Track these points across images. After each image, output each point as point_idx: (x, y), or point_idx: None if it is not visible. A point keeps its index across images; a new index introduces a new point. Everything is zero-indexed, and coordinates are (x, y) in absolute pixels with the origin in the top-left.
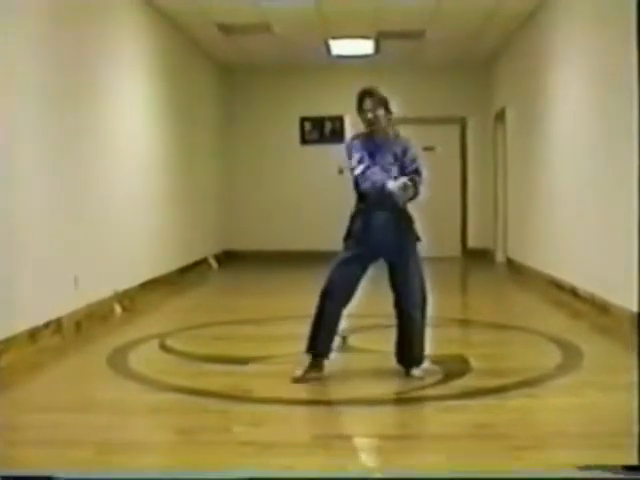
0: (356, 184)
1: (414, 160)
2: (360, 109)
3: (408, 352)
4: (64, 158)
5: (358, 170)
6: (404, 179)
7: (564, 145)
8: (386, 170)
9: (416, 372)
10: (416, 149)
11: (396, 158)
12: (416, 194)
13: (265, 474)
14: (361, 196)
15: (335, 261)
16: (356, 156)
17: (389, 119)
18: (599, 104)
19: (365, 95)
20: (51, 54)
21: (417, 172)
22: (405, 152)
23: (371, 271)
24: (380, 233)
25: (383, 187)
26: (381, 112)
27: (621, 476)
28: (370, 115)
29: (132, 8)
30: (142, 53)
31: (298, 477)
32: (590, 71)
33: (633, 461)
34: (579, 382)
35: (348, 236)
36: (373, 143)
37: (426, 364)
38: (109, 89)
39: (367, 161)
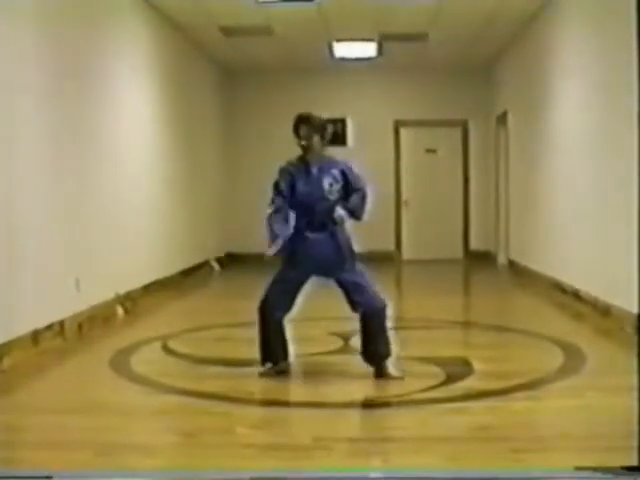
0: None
1: (358, 178)
2: (296, 134)
3: (374, 349)
4: (66, 160)
5: (269, 210)
6: (341, 212)
7: (566, 148)
8: (324, 195)
9: (393, 371)
10: (356, 167)
11: (336, 180)
12: (360, 216)
13: (265, 474)
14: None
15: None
16: (274, 193)
17: (323, 145)
18: (601, 107)
19: (300, 122)
20: (52, 56)
21: (362, 190)
22: (345, 173)
23: (371, 274)
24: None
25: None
26: (316, 139)
27: (621, 477)
28: (304, 142)
29: (134, 10)
30: (144, 55)
31: (298, 478)
32: (592, 74)
33: (635, 463)
34: (581, 384)
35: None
36: (306, 170)
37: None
38: (111, 91)
39: (281, 202)
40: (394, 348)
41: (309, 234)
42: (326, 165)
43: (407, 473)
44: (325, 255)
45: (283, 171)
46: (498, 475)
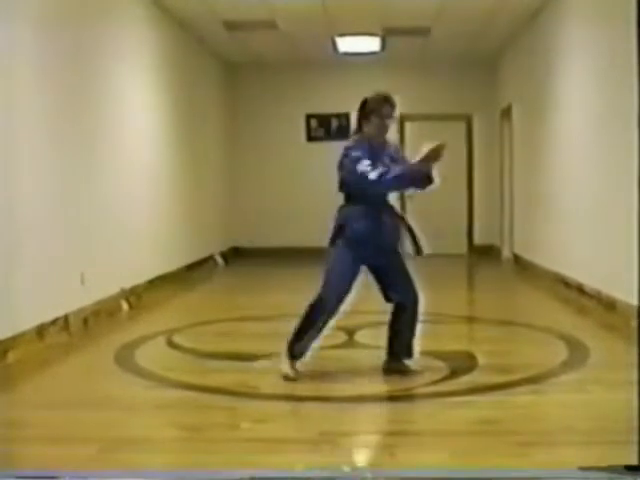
0: (350, 185)
1: (404, 158)
2: (377, 113)
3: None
4: (70, 156)
5: (374, 174)
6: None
7: (570, 142)
8: None
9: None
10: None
11: (392, 159)
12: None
13: (266, 474)
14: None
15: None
16: (366, 161)
17: None
18: (605, 101)
19: (387, 101)
20: (54, 52)
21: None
22: (398, 151)
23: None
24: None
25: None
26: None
27: (624, 476)
28: (387, 122)
29: (137, 6)
30: (147, 51)
31: (298, 477)
32: (596, 68)
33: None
34: (585, 379)
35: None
36: (373, 149)
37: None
38: (114, 87)
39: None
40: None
41: (379, 215)
42: (385, 145)
43: (407, 473)
44: (389, 237)
45: (362, 148)
46: (500, 475)
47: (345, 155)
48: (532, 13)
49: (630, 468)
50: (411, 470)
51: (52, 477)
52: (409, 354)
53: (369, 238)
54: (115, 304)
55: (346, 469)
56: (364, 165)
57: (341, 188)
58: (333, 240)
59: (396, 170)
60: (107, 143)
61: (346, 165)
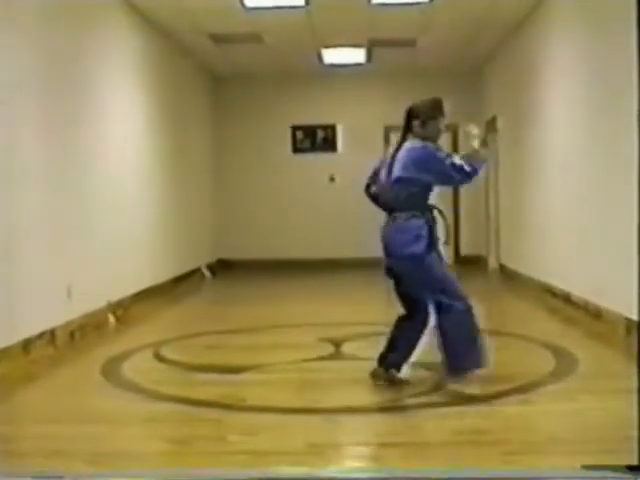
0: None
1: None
2: (435, 119)
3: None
4: (56, 169)
5: (468, 167)
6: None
7: (556, 152)
8: None
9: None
10: None
11: None
12: None
13: (266, 474)
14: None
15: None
16: (454, 157)
17: None
18: (590, 112)
19: (442, 106)
20: (39, 63)
21: None
22: None
23: (363, 280)
24: None
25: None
26: None
27: (624, 476)
28: (442, 129)
29: (123, 17)
30: (133, 62)
31: (299, 478)
32: (581, 79)
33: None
34: (573, 388)
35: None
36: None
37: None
38: (101, 99)
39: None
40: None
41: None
42: None
43: (407, 473)
44: None
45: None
46: (502, 474)
47: (431, 156)
48: (517, 25)
49: (632, 468)
50: (411, 470)
51: (52, 478)
52: (398, 369)
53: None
54: (102, 317)
55: (349, 469)
56: (456, 159)
57: (400, 197)
58: (425, 251)
59: (477, 160)
60: (93, 156)
61: (434, 166)
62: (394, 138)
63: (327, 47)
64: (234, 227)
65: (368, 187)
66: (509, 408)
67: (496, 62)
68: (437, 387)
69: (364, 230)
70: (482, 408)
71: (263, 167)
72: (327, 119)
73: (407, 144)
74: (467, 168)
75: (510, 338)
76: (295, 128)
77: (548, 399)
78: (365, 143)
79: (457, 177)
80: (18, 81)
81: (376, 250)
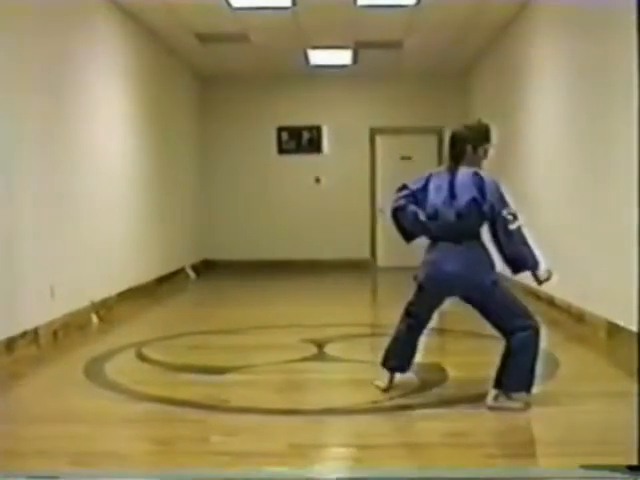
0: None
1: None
2: (487, 142)
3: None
4: (39, 168)
5: (515, 225)
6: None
7: (541, 155)
8: None
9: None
10: None
11: None
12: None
13: (266, 474)
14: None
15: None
16: (511, 208)
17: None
18: (575, 114)
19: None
20: (23, 63)
21: None
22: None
23: (347, 281)
24: None
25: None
26: None
27: (624, 476)
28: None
29: (109, 16)
30: (119, 62)
31: (299, 477)
32: (566, 81)
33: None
34: (555, 391)
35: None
36: None
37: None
38: (85, 98)
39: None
40: (365, 355)
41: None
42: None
43: (407, 473)
44: None
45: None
46: (500, 474)
47: (494, 188)
48: (502, 27)
49: (632, 468)
50: (411, 470)
51: (51, 477)
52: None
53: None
54: (85, 317)
55: (346, 468)
56: (508, 212)
57: (466, 223)
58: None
59: (528, 241)
60: (77, 155)
61: (494, 202)
62: (379, 140)
63: (313, 48)
64: (219, 227)
65: (403, 208)
66: (491, 410)
67: (482, 64)
68: (420, 389)
69: (349, 231)
70: (465, 410)
71: (249, 168)
72: (313, 120)
73: (465, 170)
74: (512, 227)
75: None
76: (281, 129)
77: (530, 401)
78: (351, 145)
79: (504, 226)
80: (2, 80)
81: (358, 251)
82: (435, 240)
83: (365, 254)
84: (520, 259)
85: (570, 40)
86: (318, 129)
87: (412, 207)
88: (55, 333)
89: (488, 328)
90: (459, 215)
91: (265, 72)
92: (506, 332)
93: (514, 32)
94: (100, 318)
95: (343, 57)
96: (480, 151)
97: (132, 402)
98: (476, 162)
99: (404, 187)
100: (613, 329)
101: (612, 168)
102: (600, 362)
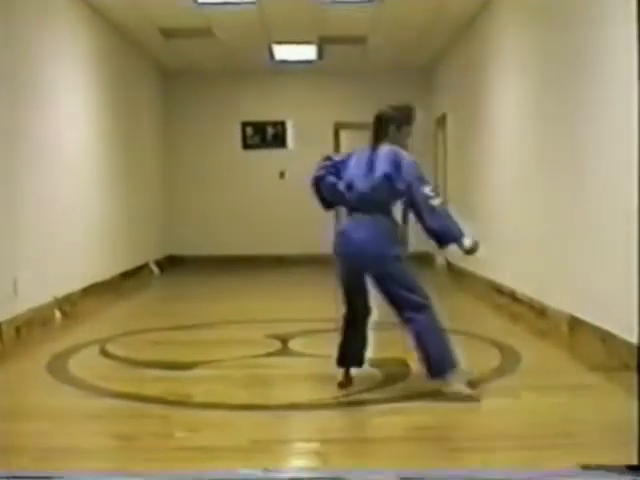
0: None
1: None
2: (409, 124)
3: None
4: (3, 164)
5: (437, 202)
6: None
7: (504, 150)
8: None
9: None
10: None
11: None
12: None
13: (268, 474)
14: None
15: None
16: (430, 186)
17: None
18: (539, 110)
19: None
20: None
21: None
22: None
23: (312, 276)
24: None
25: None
26: None
27: (624, 476)
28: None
29: (71, 10)
30: (82, 56)
31: (299, 477)
32: (530, 76)
33: (568, 463)
34: (517, 384)
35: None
36: None
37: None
38: (46, 92)
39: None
40: (329, 351)
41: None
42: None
43: (406, 473)
44: None
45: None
46: (500, 474)
47: (412, 167)
48: (467, 22)
49: (631, 468)
50: (409, 470)
51: (48, 477)
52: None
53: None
54: (48, 313)
55: (347, 469)
56: (429, 189)
57: (378, 196)
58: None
59: (452, 215)
60: (38, 146)
61: (412, 180)
62: (344, 134)
63: (278, 43)
64: (184, 223)
65: (322, 178)
66: (453, 404)
67: (446, 60)
68: (384, 383)
69: (314, 226)
70: (428, 404)
71: (213, 163)
72: (277, 115)
73: (386, 147)
74: (435, 202)
75: (456, 335)
76: (245, 124)
77: (492, 395)
78: (315, 140)
79: (426, 204)
80: None
81: (325, 247)
82: (351, 211)
83: (330, 249)
84: (445, 231)
85: (533, 34)
86: (283, 124)
87: (331, 177)
88: (18, 329)
89: (451, 323)
90: (373, 188)
91: (230, 67)
92: (402, 310)
93: (478, 27)
94: (64, 314)
95: (308, 52)
96: (403, 131)
97: (95, 398)
98: (398, 141)
99: (328, 158)
100: (575, 323)
101: (576, 165)
102: (562, 356)
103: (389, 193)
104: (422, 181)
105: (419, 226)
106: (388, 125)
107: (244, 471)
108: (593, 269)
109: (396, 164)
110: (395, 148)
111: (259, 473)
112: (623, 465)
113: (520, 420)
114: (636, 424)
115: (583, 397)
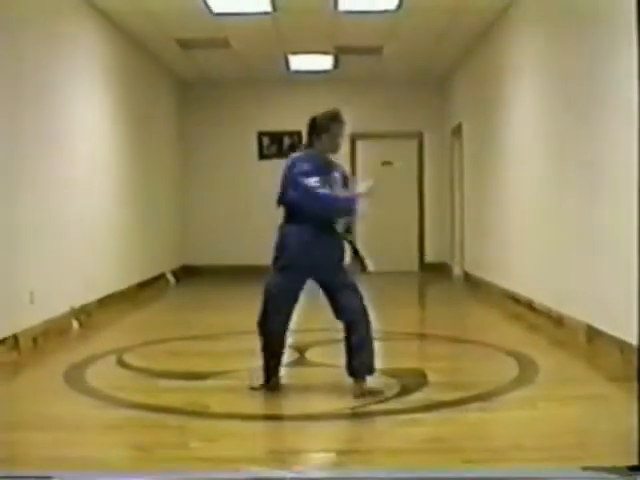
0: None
1: (349, 184)
2: (328, 131)
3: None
4: (18, 174)
5: (323, 191)
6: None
7: (520, 160)
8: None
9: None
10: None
11: (342, 180)
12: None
13: (268, 474)
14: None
15: None
16: (315, 178)
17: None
18: (555, 119)
19: (336, 119)
20: (4, 70)
21: None
22: (345, 176)
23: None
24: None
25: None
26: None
27: (625, 477)
28: (338, 140)
29: (89, 22)
30: (99, 67)
31: (299, 477)
32: (545, 86)
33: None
34: (534, 395)
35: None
36: (322, 166)
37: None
38: (65, 104)
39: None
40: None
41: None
42: (333, 165)
43: (407, 473)
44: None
45: (312, 162)
46: (500, 474)
47: (292, 166)
48: (482, 32)
49: (633, 468)
50: (407, 470)
51: (47, 477)
52: (370, 371)
53: (307, 258)
54: (65, 323)
55: (348, 469)
56: (312, 181)
57: (281, 203)
58: (275, 261)
59: (343, 194)
60: (57, 159)
61: (291, 178)
62: (360, 145)
63: (294, 53)
64: (200, 233)
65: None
66: (470, 415)
67: (462, 70)
68: (400, 394)
69: None
70: (443, 415)
71: (229, 173)
72: (294, 125)
73: (297, 154)
74: (321, 191)
75: (473, 345)
76: (261, 134)
77: (509, 406)
78: None
79: (310, 196)
80: None
81: None
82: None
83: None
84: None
85: (549, 44)
86: (299, 134)
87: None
88: (35, 339)
89: (468, 333)
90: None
91: (246, 78)
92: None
93: (494, 37)
94: (80, 324)
95: (324, 62)
96: (324, 139)
97: (112, 408)
98: (323, 148)
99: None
100: (593, 333)
101: (593, 173)
102: (579, 366)
103: (281, 201)
104: (302, 175)
105: (434, 237)
106: (311, 132)
107: (244, 471)
108: (611, 279)
109: (288, 168)
110: (302, 153)
111: (259, 473)
112: (624, 466)
113: (537, 431)
114: (636, 424)
115: (601, 408)
